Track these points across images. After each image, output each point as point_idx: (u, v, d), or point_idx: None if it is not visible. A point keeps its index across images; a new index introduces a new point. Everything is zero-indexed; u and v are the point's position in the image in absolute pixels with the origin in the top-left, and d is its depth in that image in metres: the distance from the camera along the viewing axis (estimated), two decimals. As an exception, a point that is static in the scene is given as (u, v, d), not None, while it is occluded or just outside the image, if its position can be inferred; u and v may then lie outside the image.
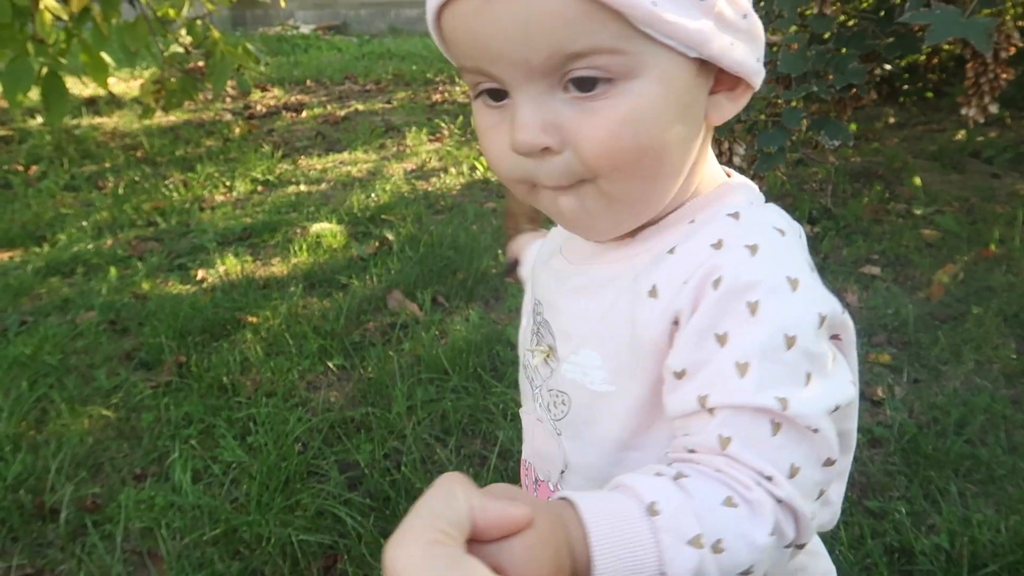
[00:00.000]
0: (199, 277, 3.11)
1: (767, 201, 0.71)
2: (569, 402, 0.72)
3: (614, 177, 0.61)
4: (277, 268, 3.18)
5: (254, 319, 2.71)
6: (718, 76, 0.64)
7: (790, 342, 0.58)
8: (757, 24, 0.64)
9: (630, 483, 0.55)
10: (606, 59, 0.57)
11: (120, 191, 4.16)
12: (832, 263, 2.94)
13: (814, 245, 3.07)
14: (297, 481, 1.88)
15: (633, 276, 0.67)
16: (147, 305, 2.86)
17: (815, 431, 0.58)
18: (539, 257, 0.83)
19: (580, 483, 0.73)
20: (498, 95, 0.62)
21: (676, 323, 0.63)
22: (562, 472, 0.74)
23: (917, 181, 3.52)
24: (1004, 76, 2.47)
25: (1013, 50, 2.45)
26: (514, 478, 0.88)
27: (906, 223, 3.21)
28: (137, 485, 1.92)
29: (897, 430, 2.01)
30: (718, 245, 0.62)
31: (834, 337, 0.66)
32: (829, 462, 0.60)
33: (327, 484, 1.87)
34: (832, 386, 0.61)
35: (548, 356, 0.74)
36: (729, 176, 0.73)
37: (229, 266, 3.17)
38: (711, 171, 0.71)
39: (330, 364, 2.41)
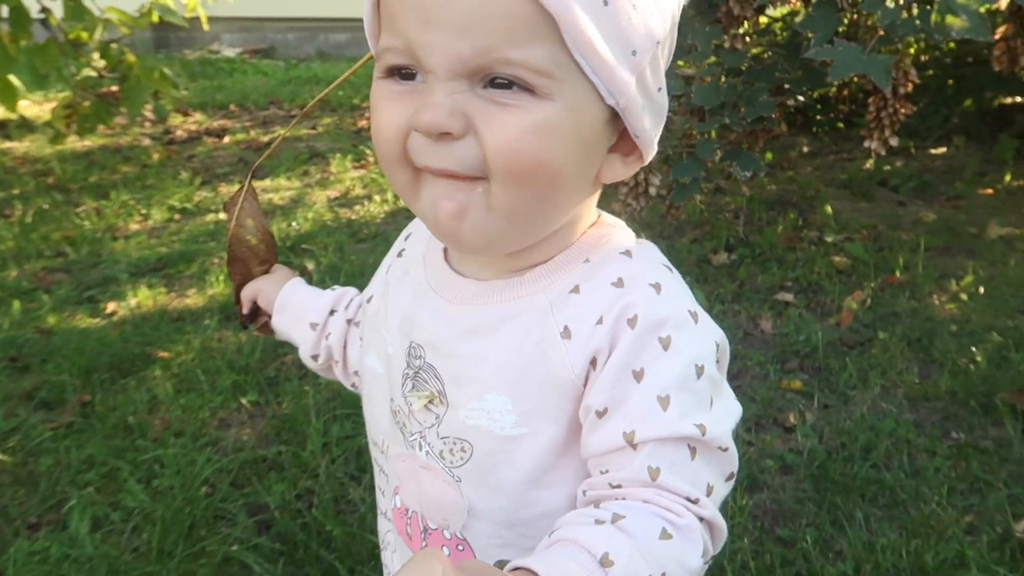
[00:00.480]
0: (109, 310, 3.00)
1: (673, 232, 0.74)
2: (471, 448, 0.70)
3: (507, 183, 0.61)
4: (192, 300, 3.09)
5: (165, 354, 2.62)
6: (620, 137, 0.66)
7: (699, 371, 0.64)
8: (665, 102, 0.67)
9: (576, 536, 0.56)
10: (532, 76, 0.58)
11: (28, 219, 3.99)
12: (748, 290, 3.00)
13: (731, 272, 3.15)
14: (203, 527, 1.81)
15: (534, 315, 0.68)
16: (51, 340, 2.74)
17: (725, 450, 0.64)
18: (401, 300, 0.78)
19: (488, 528, 0.72)
20: (409, 76, 0.62)
21: (593, 363, 0.65)
22: (465, 519, 0.72)
23: (828, 209, 3.64)
24: (903, 111, 2.57)
25: (911, 86, 2.56)
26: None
27: (818, 250, 3.31)
28: (31, 536, 1.82)
29: (807, 456, 2.05)
30: (619, 283, 0.66)
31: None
32: (731, 476, 0.66)
33: (235, 529, 1.81)
34: (729, 406, 0.68)
35: (432, 402, 0.73)
36: (599, 215, 0.75)
37: (141, 298, 3.07)
38: (590, 217, 0.74)
39: (243, 400, 2.35)
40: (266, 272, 1.04)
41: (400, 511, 0.79)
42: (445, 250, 0.76)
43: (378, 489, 0.85)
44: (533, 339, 0.67)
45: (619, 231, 0.73)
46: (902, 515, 1.86)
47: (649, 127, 0.66)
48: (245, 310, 1.04)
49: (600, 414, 0.64)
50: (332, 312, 0.96)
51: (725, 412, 0.66)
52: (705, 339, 0.67)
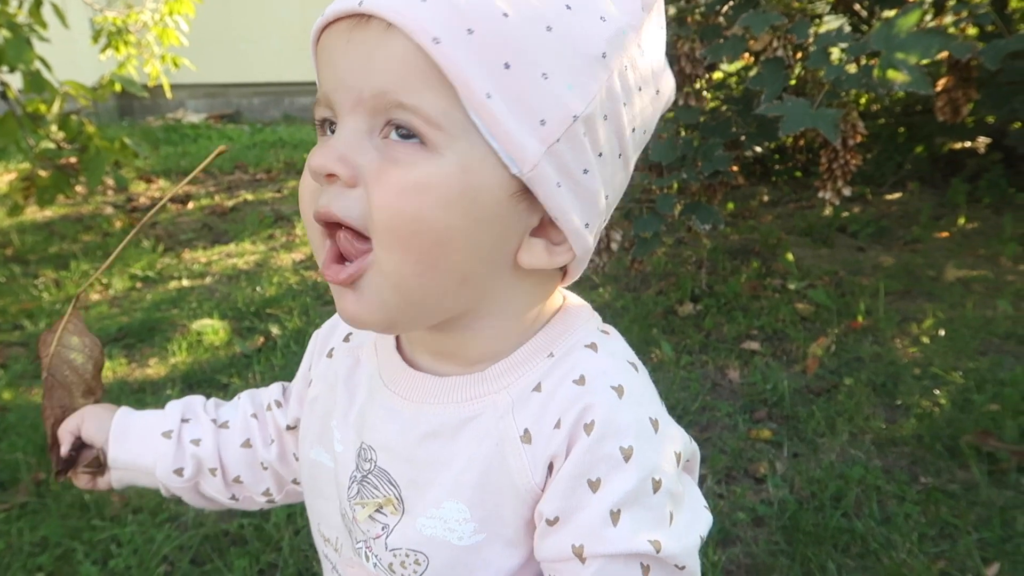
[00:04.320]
0: (67, 384, 2.92)
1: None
2: (426, 561, 0.66)
3: (388, 242, 0.58)
4: (154, 370, 3.03)
5: (125, 427, 2.55)
6: (546, 221, 0.61)
7: (656, 485, 0.61)
8: (595, 191, 0.61)
9: None
10: (423, 125, 0.56)
11: (-15, 293, 3.92)
12: (714, 340, 3.02)
13: (697, 323, 3.16)
14: (161, 608, 1.75)
15: (496, 416, 0.65)
16: (6, 417, 2.66)
17: (682, 568, 0.62)
18: (356, 394, 0.74)
19: None
20: (333, 128, 0.62)
21: (551, 468, 0.63)
22: None
23: (790, 257, 3.69)
24: (854, 162, 2.64)
25: (859, 138, 2.63)
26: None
27: (782, 298, 3.35)
28: (-22, 626, 1.75)
29: (778, 507, 2.04)
30: (580, 381, 0.63)
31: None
32: None
33: (194, 609, 1.75)
34: (694, 519, 0.65)
35: (381, 509, 0.68)
36: (564, 299, 0.71)
37: (101, 370, 3.00)
38: (553, 303, 0.70)
39: (205, 473, 2.28)
40: (94, 402, 0.87)
41: None
42: (398, 338, 0.72)
43: None
44: (492, 441, 0.64)
45: (584, 320, 0.69)
46: (874, 564, 1.84)
47: (568, 209, 0.60)
48: (64, 450, 0.84)
49: (551, 522, 0.62)
50: (185, 420, 0.86)
51: (686, 528, 0.63)
52: (665, 450, 0.64)
